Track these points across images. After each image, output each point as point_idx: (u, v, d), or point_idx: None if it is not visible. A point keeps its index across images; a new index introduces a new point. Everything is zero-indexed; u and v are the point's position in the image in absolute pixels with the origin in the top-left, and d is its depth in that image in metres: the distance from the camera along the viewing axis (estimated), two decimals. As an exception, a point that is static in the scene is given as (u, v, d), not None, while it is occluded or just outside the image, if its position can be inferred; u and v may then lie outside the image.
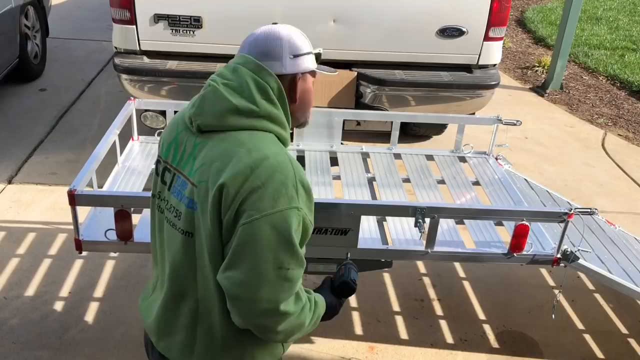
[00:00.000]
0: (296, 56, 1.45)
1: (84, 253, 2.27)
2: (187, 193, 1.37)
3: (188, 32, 3.84)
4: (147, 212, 2.39)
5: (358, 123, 4.00)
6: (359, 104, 3.96)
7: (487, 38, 3.98)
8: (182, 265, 1.41)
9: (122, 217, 2.09)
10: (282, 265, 1.30)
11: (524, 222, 2.20)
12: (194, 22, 3.81)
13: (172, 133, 1.48)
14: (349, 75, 3.92)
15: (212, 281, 1.37)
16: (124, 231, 2.12)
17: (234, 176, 1.29)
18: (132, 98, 2.98)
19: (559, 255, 2.31)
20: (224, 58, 3.99)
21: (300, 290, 1.39)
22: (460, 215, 2.41)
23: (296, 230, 1.31)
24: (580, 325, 3.12)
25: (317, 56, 1.54)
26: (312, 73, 1.53)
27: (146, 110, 3.87)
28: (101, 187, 2.55)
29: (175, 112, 2.99)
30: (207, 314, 1.42)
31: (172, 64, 3.88)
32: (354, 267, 1.71)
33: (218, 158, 1.34)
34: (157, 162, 1.51)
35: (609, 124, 5.99)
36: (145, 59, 3.91)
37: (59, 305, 2.99)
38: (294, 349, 2.80)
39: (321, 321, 1.56)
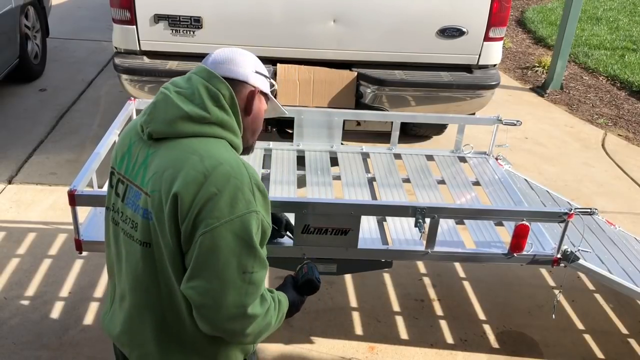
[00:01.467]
0: (258, 73, 1.49)
1: (84, 253, 2.27)
2: (142, 203, 1.36)
3: (188, 32, 3.84)
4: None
5: (358, 123, 4.00)
6: (359, 104, 3.96)
7: (487, 38, 3.99)
8: (144, 277, 1.40)
9: (122, 217, 2.09)
10: (246, 270, 1.31)
11: (524, 222, 2.20)
12: (194, 23, 3.81)
13: (125, 143, 1.47)
14: (349, 75, 3.92)
15: (176, 289, 1.37)
16: (124, 231, 2.12)
17: (188, 184, 1.29)
18: (133, 98, 2.98)
19: (559, 256, 2.31)
20: (224, 58, 4.03)
21: (265, 292, 1.40)
22: (460, 215, 2.41)
23: (256, 233, 1.32)
24: (580, 326, 3.12)
25: (272, 89, 1.59)
26: (266, 97, 1.55)
27: (146, 111, 3.87)
28: (101, 187, 2.55)
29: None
30: (176, 322, 1.42)
31: (172, 64, 3.88)
32: (315, 266, 1.72)
33: (170, 166, 1.33)
34: (111, 174, 1.50)
35: (609, 124, 5.99)
36: (146, 59, 3.91)
37: (59, 306, 2.99)
38: (294, 349, 2.81)
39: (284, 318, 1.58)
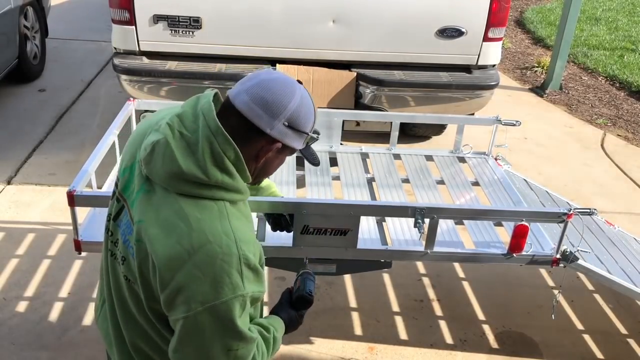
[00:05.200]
0: (291, 127, 1.29)
1: (83, 254, 2.27)
2: (132, 242, 1.29)
3: (187, 32, 3.84)
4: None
5: (357, 123, 4.00)
6: (359, 105, 3.96)
7: (486, 38, 3.99)
8: (130, 306, 1.37)
9: (122, 218, 2.09)
10: (230, 348, 1.27)
11: (523, 223, 2.20)
12: (194, 23, 3.81)
13: (133, 154, 1.37)
14: (349, 75, 3.92)
15: (154, 325, 1.35)
16: (124, 232, 2.12)
17: (168, 261, 1.21)
18: (132, 98, 2.97)
19: (558, 256, 2.31)
20: (224, 58, 4.04)
21: (256, 349, 1.34)
22: (459, 215, 2.41)
23: (240, 315, 1.25)
24: (579, 326, 3.12)
25: (310, 140, 1.39)
26: (293, 150, 1.37)
27: (146, 111, 3.85)
28: (100, 188, 2.55)
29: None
30: (154, 352, 1.40)
31: (171, 65, 3.87)
32: (311, 276, 1.71)
33: (157, 225, 1.24)
34: (115, 184, 1.42)
35: (608, 124, 5.99)
36: (145, 60, 3.91)
37: (58, 306, 2.99)
38: (294, 349, 2.80)
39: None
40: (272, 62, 3.93)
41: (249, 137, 1.28)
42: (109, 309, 1.46)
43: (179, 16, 3.79)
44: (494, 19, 3.92)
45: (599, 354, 2.94)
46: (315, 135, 1.39)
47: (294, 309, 1.62)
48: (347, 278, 3.30)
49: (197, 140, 1.24)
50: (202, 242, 1.20)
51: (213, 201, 1.26)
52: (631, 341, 3.05)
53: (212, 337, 1.25)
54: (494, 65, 4.16)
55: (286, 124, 1.28)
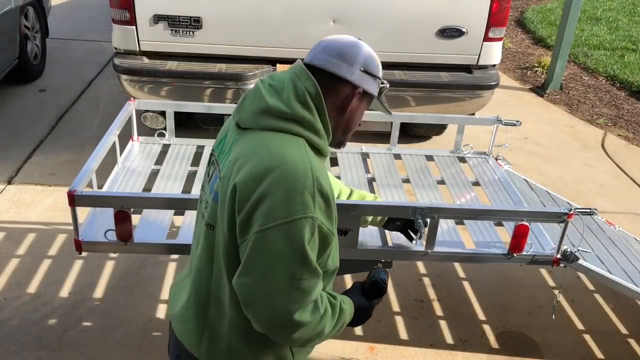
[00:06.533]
0: (367, 72, 1.44)
1: (84, 254, 2.27)
2: (215, 186, 1.39)
3: (188, 32, 3.84)
4: (147, 212, 2.39)
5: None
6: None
7: (486, 38, 3.99)
8: (202, 257, 1.43)
9: (122, 218, 2.09)
10: (294, 276, 1.28)
11: (523, 223, 2.20)
12: (194, 23, 3.81)
13: (225, 128, 1.51)
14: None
15: (224, 279, 1.38)
16: (124, 232, 2.12)
17: (248, 179, 1.28)
18: (132, 98, 2.97)
19: (558, 256, 2.31)
20: (224, 58, 4.04)
21: (320, 299, 1.36)
22: (460, 215, 2.41)
23: (309, 240, 1.28)
24: (580, 326, 3.12)
25: (382, 90, 1.53)
26: (370, 99, 1.50)
27: (146, 111, 3.87)
28: (101, 188, 2.55)
29: (176, 112, 3.01)
30: (216, 313, 1.43)
31: (171, 65, 3.88)
32: (384, 270, 1.70)
33: (242, 156, 1.34)
34: (210, 155, 1.54)
35: (609, 124, 5.99)
36: (145, 60, 3.91)
37: (58, 306, 2.99)
38: (293, 349, 2.80)
39: (354, 325, 1.57)
40: (273, 62, 3.93)
41: (334, 88, 1.42)
42: (191, 276, 1.50)
43: (179, 16, 3.79)
44: (494, 19, 3.92)
45: (599, 354, 2.94)
46: (385, 83, 1.54)
47: (366, 297, 1.62)
48: (348, 278, 3.30)
49: (282, 86, 1.39)
50: (280, 162, 1.29)
51: (293, 136, 1.36)
52: (632, 341, 3.04)
53: (278, 259, 1.27)
54: (494, 65, 4.16)
55: (362, 69, 1.43)
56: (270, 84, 1.41)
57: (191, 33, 3.84)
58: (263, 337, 1.39)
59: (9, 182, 4.09)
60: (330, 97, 1.41)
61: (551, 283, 3.44)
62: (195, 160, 2.88)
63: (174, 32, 3.83)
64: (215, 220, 1.38)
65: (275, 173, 1.27)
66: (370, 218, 2.16)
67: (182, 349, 1.52)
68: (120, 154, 2.81)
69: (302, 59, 1.46)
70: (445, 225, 2.47)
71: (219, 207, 1.36)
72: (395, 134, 3.18)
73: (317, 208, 1.29)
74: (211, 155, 1.53)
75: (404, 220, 2.19)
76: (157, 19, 3.79)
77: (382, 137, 3.79)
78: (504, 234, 2.49)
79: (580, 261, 2.33)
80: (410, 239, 2.23)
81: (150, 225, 2.33)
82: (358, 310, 1.56)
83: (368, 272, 1.70)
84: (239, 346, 1.43)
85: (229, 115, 3.42)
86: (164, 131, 3.03)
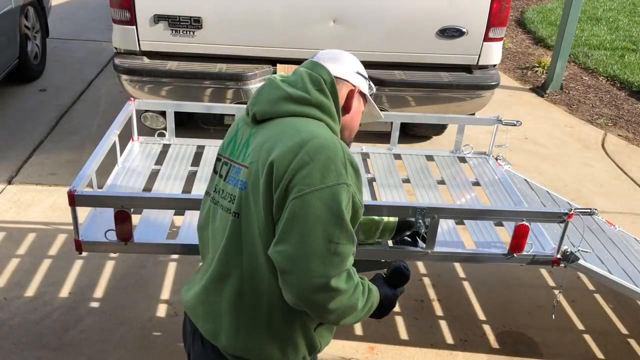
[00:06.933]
0: (359, 74, 1.60)
1: (84, 254, 2.27)
2: (241, 177, 1.43)
3: (188, 32, 3.84)
4: (147, 212, 2.39)
5: (358, 123, 3.99)
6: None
7: (487, 38, 3.99)
8: (230, 247, 1.44)
9: (122, 218, 2.09)
10: (332, 239, 1.31)
11: (524, 223, 2.20)
12: (194, 23, 3.81)
13: (233, 130, 1.57)
14: (349, 75, 3.91)
15: (262, 260, 1.39)
16: (124, 232, 2.12)
17: (284, 153, 1.34)
18: (132, 98, 2.98)
19: (559, 256, 2.30)
20: (224, 58, 4.04)
21: (352, 270, 1.41)
22: (460, 215, 2.41)
23: (346, 206, 1.34)
24: (580, 326, 3.12)
25: (371, 90, 1.68)
26: (364, 99, 1.65)
27: (146, 111, 3.87)
28: (101, 188, 2.55)
29: (176, 112, 3.01)
30: (253, 297, 1.43)
31: (172, 65, 3.88)
32: (403, 260, 1.70)
33: (269, 139, 1.40)
34: (217, 160, 1.57)
35: (609, 124, 5.99)
36: (145, 60, 3.91)
37: (58, 306, 2.99)
38: (294, 349, 2.80)
39: (379, 316, 1.58)
40: (273, 62, 3.93)
41: (338, 88, 1.52)
42: (213, 269, 1.49)
43: (179, 16, 3.79)
44: (494, 19, 3.92)
45: (599, 354, 2.94)
46: (373, 85, 1.69)
47: (389, 285, 1.63)
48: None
49: (296, 79, 1.49)
50: (311, 136, 1.37)
51: (315, 120, 1.46)
52: (632, 341, 3.04)
53: (315, 223, 1.31)
54: (494, 65, 4.16)
55: (355, 71, 1.60)
56: (282, 79, 1.50)
57: (191, 33, 3.84)
58: (303, 322, 1.44)
59: (9, 182, 4.09)
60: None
61: (551, 283, 3.44)
62: (196, 160, 2.88)
63: (174, 32, 3.83)
64: (241, 207, 1.41)
65: (307, 145, 1.34)
66: (378, 233, 2.16)
67: (209, 346, 1.51)
68: (121, 154, 2.81)
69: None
70: (445, 225, 2.47)
71: (249, 192, 1.40)
72: (395, 134, 3.18)
73: (349, 177, 1.37)
74: (218, 160, 1.56)
75: (412, 232, 2.20)
76: (158, 18, 3.79)
77: (382, 137, 3.80)
78: (504, 234, 2.49)
79: (581, 261, 2.33)
80: (415, 244, 2.23)
81: (150, 225, 2.33)
82: (384, 300, 1.58)
83: (387, 269, 1.70)
84: (279, 326, 1.45)
85: (229, 115, 3.45)
86: (164, 131, 3.03)
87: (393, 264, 1.66)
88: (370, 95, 1.67)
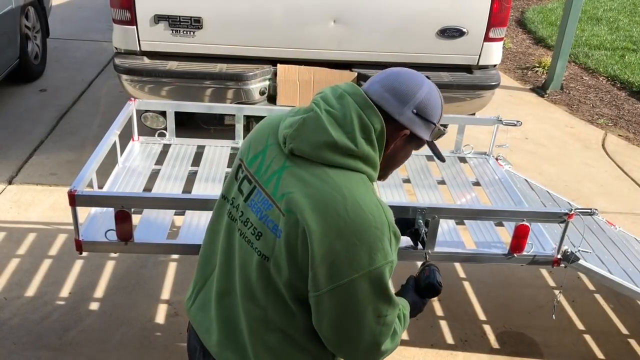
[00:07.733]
0: (419, 115, 1.37)
1: (84, 253, 2.27)
2: (272, 217, 1.31)
3: (188, 32, 3.84)
4: (147, 212, 2.39)
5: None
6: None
7: (487, 39, 3.98)
8: (256, 287, 1.36)
9: (123, 218, 2.09)
10: (380, 314, 1.33)
11: (524, 223, 2.20)
12: (194, 23, 3.81)
13: (261, 142, 1.41)
14: (350, 75, 3.92)
15: (285, 308, 1.36)
16: (124, 232, 2.12)
17: (327, 227, 1.24)
18: (133, 98, 2.98)
19: (559, 256, 2.30)
20: (224, 58, 4.04)
21: (396, 324, 1.43)
22: (460, 215, 2.41)
23: (388, 279, 1.32)
24: (580, 326, 3.12)
25: (438, 134, 1.44)
26: (419, 143, 1.44)
27: (146, 111, 3.87)
28: (101, 188, 2.55)
29: (176, 112, 3.00)
30: (277, 341, 1.40)
31: (172, 65, 3.88)
32: (437, 268, 1.75)
33: (310, 194, 1.27)
34: (239, 167, 1.44)
35: (609, 124, 5.99)
36: (146, 60, 3.91)
37: (59, 306, 2.99)
38: (294, 349, 2.80)
39: None
40: (273, 62, 3.93)
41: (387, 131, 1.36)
42: (216, 294, 1.46)
43: (179, 16, 3.79)
44: (494, 19, 3.92)
45: (599, 354, 2.94)
46: (443, 129, 1.44)
47: (420, 295, 1.70)
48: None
49: (344, 115, 1.31)
50: (357, 211, 1.25)
51: (357, 173, 1.33)
52: (632, 341, 3.04)
53: (365, 304, 1.29)
54: (494, 66, 4.15)
55: (414, 111, 1.36)
56: (328, 111, 1.32)
57: (192, 33, 3.84)
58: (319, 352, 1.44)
59: (10, 182, 4.09)
60: None
61: (551, 283, 3.44)
62: (196, 160, 2.88)
63: (174, 32, 3.83)
64: (272, 252, 1.31)
65: (354, 224, 1.24)
66: None
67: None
68: (121, 154, 2.81)
69: (361, 84, 1.39)
70: (445, 226, 2.47)
71: (281, 241, 1.29)
72: (395, 134, 3.17)
73: (393, 250, 1.33)
74: (239, 166, 1.44)
75: (412, 233, 2.21)
76: (158, 19, 3.79)
77: (382, 137, 3.79)
78: (505, 234, 2.49)
79: (581, 261, 2.33)
80: (415, 247, 2.24)
81: (150, 225, 2.33)
82: (412, 307, 1.64)
83: (421, 270, 1.76)
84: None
85: (229, 115, 3.45)
86: (164, 131, 3.03)
87: (428, 277, 1.72)
88: (436, 139, 1.45)
